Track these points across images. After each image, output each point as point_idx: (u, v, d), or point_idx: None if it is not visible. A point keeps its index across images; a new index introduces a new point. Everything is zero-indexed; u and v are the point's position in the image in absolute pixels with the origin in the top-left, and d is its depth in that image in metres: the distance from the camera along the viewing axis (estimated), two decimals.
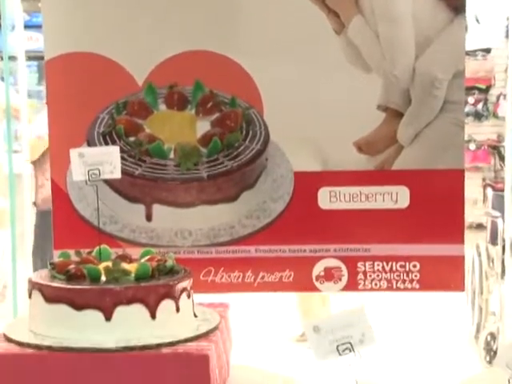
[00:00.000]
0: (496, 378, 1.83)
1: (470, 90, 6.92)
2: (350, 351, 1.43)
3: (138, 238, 2.23)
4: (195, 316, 1.65)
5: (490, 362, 3.98)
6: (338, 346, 1.43)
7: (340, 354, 1.43)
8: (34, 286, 1.55)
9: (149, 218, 2.23)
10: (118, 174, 1.73)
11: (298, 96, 2.16)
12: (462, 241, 2.18)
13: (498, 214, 4.07)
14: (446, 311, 5.12)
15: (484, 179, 7.26)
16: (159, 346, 1.48)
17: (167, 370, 1.46)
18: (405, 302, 4.78)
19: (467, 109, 6.69)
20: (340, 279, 2.25)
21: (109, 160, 1.70)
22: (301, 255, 2.26)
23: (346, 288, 2.26)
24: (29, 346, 1.48)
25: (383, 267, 2.23)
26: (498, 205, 4.05)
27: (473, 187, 6.68)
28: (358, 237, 2.24)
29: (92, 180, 1.69)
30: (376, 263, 2.23)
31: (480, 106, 7.26)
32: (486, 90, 7.30)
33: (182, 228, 2.25)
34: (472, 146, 7.08)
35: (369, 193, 2.19)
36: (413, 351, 4.51)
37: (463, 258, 2.21)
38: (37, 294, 1.54)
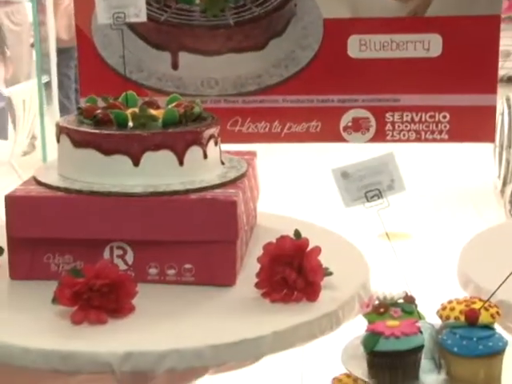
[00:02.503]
0: None
1: None
2: (379, 198, 1.43)
3: (165, 86, 2.22)
4: (222, 163, 1.65)
5: None
6: (366, 193, 1.43)
7: (368, 201, 1.42)
8: (61, 130, 1.54)
9: (175, 66, 2.20)
10: (143, 17, 1.69)
11: None
12: (494, 91, 2.14)
13: None
14: (473, 164, 5.12)
15: None
16: (187, 191, 1.48)
17: (195, 216, 1.47)
18: (432, 154, 4.76)
19: None
20: (368, 130, 2.23)
21: (134, 2, 1.66)
22: (329, 105, 2.24)
23: (374, 139, 2.24)
24: (58, 189, 1.49)
25: (412, 118, 2.20)
26: None
27: (505, 39, 6.50)
28: (387, 87, 2.20)
29: (117, 24, 1.65)
30: (405, 114, 2.20)
31: None
32: None
33: (208, 77, 2.23)
34: None
35: (400, 41, 2.14)
36: (439, 203, 4.54)
37: (495, 108, 2.17)
38: (65, 139, 1.53)
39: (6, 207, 1.47)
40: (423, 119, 2.19)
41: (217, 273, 1.48)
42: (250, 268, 1.50)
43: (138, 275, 1.46)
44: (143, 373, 1.27)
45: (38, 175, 1.56)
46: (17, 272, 1.51)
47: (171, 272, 1.49)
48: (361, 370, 1.35)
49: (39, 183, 1.53)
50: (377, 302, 1.40)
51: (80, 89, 2.20)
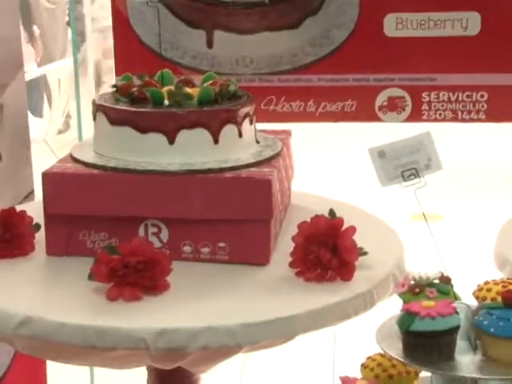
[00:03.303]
0: None
1: None
2: (415, 177, 1.42)
3: (199, 64, 2.22)
4: (257, 142, 1.65)
5: None
6: (403, 172, 1.42)
7: (405, 180, 1.42)
8: (98, 108, 1.54)
9: (210, 44, 2.20)
10: None
11: None
12: None
13: None
14: (510, 145, 5.06)
15: None
16: (222, 170, 1.48)
17: (229, 194, 1.47)
18: (468, 135, 4.72)
19: None
20: (403, 109, 2.21)
21: None
22: (364, 84, 2.22)
23: (410, 118, 2.23)
24: (95, 166, 1.49)
25: (449, 97, 2.18)
26: None
27: None
28: (424, 66, 2.18)
29: (152, 1, 1.65)
30: (441, 93, 2.18)
31: None
32: None
33: (243, 55, 2.22)
34: None
35: (437, 19, 2.11)
36: (472, 184, 4.51)
37: None
38: (101, 117, 1.54)
39: (42, 184, 1.49)
40: (460, 99, 2.17)
41: (251, 251, 1.48)
42: (283, 247, 1.50)
43: (172, 253, 1.47)
44: (177, 350, 1.28)
45: (75, 153, 1.57)
46: (53, 248, 1.52)
47: (205, 250, 1.49)
48: (395, 350, 1.35)
49: (75, 160, 1.53)
50: (412, 282, 1.40)
51: (115, 67, 2.20)
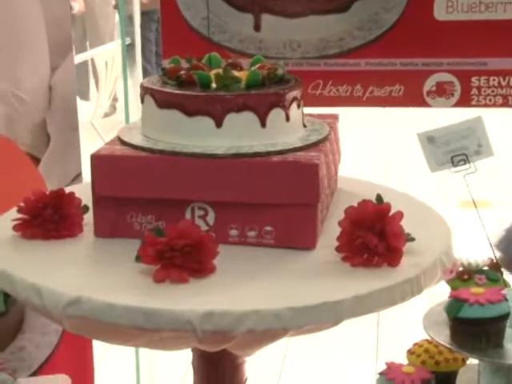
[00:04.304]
0: None
1: None
2: (465, 162, 1.40)
3: (246, 48, 2.21)
4: (304, 126, 1.64)
5: None
6: (452, 157, 1.40)
7: (454, 165, 1.40)
8: (146, 91, 1.55)
9: (257, 27, 2.20)
10: None
11: None
12: None
13: None
14: None
15: None
16: (269, 153, 1.48)
17: (276, 178, 1.46)
18: None
19: None
20: (452, 94, 2.18)
21: None
22: (412, 69, 2.20)
23: (459, 104, 2.20)
24: (142, 149, 1.50)
25: (499, 82, 2.14)
26: None
27: None
28: (474, 50, 2.15)
29: None
30: (491, 78, 2.15)
31: None
32: None
33: (290, 39, 2.21)
34: None
35: (489, 2, 2.08)
36: None
37: None
38: (149, 99, 1.54)
39: (91, 166, 1.50)
40: (511, 83, 2.13)
41: (297, 236, 1.48)
42: (330, 232, 1.49)
43: (218, 236, 1.47)
44: (223, 333, 1.28)
45: (122, 135, 1.58)
46: (101, 230, 1.54)
47: (251, 234, 1.49)
48: (443, 337, 1.34)
49: (123, 143, 1.54)
50: (461, 269, 1.38)
51: (163, 50, 2.21)
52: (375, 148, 5.50)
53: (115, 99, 6.60)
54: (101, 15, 6.80)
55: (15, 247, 1.52)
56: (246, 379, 1.66)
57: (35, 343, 2.21)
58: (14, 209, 1.58)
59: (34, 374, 2.23)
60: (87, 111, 5.56)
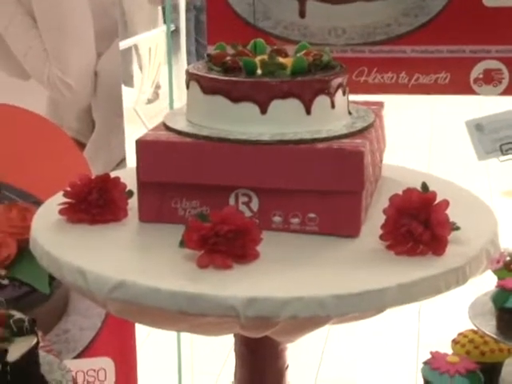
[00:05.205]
0: None
1: None
2: None
3: (291, 35, 2.20)
4: (350, 113, 1.63)
5: None
6: (501, 145, 1.38)
7: (503, 153, 1.38)
8: (191, 76, 1.55)
9: (302, 14, 2.18)
10: None
11: None
12: None
13: None
14: None
15: None
16: (314, 140, 1.47)
17: (321, 165, 1.46)
18: None
19: None
20: (500, 82, 2.15)
21: None
22: (459, 56, 2.17)
23: (506, 91, 2.16)
24: (187, 135, 1.51)
25: None
26: None
27: None
28: None
29: None
30: None
31: None
32: None
33: (335, 25, 2.20)
34: None
35: None
36: None
37: None
38: (194, 85, 1.54)
39: (136, 151, 1.51)
40: None
41: (341, 223, 1.47)
42: (373, 219, 1.49)
43: (262, 223, 1.47)
44: (266, 319, 1.28)
45: (167, 121, 1.58)
46: (145, 215, 1.55)
47: (295, 221, 1.49)
48: (488, 327, 1.33)
49: (168, 129, 1.55)
50: (508, 259, 1.37)
51: (207, 36, 2.21)
52: (420, 135, 5.45)
53: (158, 86, 6.63)
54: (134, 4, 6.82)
55: (61, 231, 1.53)
56: (287, 366, 1.66)
57: (79, 326, 2.24)
58: (60, 193, 1.59)
59: (78, 356, 2.26)
60: (130, 97, 5.59)
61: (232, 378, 1.70)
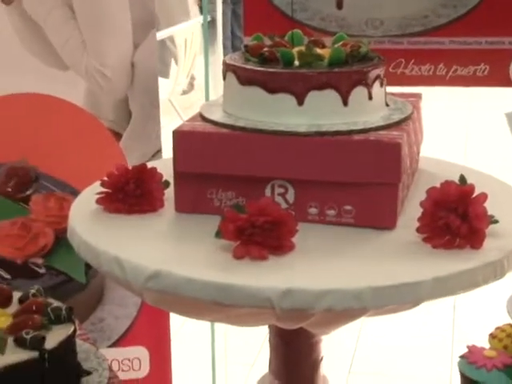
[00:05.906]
0: None
1: None
2: None
3: (328, 26, 2.19)
4: (387, 105, 1.62)
5: None
6: None
7: None
8: (228, 67, 1.55)
9: (340, 5, 2.17)
10: None
11: None
12: None
13: None
14: None
15: None
16: (350, 132, 1.46)
17: (357, 157, 1.45)
18: None
19: None
20: None
21: None
22: (498, 48, 2.14)
23: None
24: (224, 125, 1.51)
25: None
26: None
27: None
28: None
29: None
30: None
31: None
32: None
33: (372, 17, 2.18)
34: None
35: None
36: None
37: None
38: (231, 76, 1.54)
39: (173, 142, 1.51)
40: None
41: (377, 215, 1.46)
42: (410, 212, 1.48)
43: (298, 214, 1.47)
44: (302, 310, 1.28)
45: (204, 111, 1.58)
46: (181, 205, 1.55)
47: (331, 213, 1.48)
48: None
49: (205, 119, 1.55)
50: None
51: (244, 27, 2.21)
52: (458, 127, 5.40)
53: (193, 77, 6.64)
54: None
55: (98, 220, 1.55)
56: (322, 358, 1.66)
57: (114, 315, 2.26)
58: (97, 183, 1.60)
59: (113, 345, 2.28)
60: (165, 88, 5.61)
61: (265, 369, 1.70)
